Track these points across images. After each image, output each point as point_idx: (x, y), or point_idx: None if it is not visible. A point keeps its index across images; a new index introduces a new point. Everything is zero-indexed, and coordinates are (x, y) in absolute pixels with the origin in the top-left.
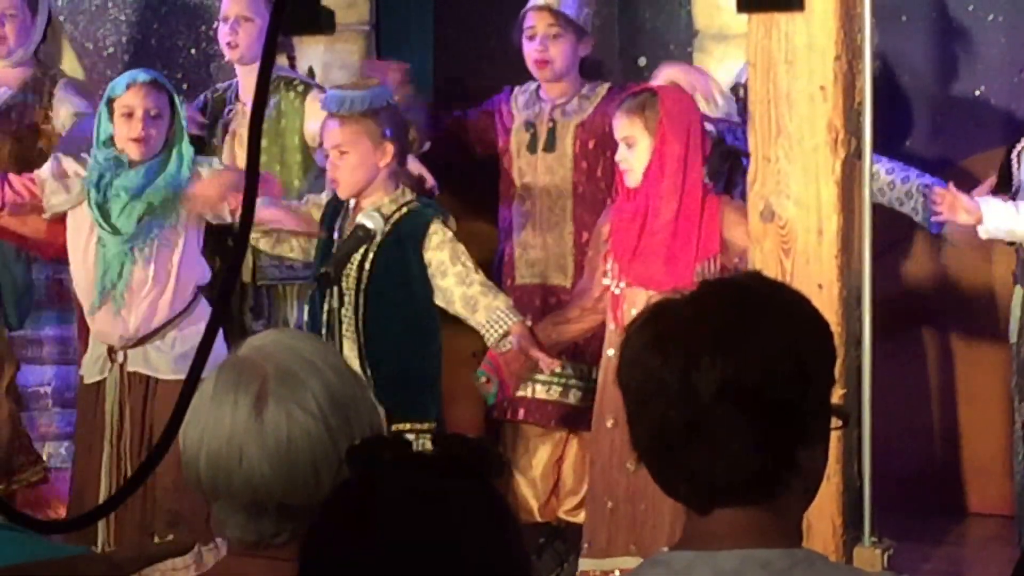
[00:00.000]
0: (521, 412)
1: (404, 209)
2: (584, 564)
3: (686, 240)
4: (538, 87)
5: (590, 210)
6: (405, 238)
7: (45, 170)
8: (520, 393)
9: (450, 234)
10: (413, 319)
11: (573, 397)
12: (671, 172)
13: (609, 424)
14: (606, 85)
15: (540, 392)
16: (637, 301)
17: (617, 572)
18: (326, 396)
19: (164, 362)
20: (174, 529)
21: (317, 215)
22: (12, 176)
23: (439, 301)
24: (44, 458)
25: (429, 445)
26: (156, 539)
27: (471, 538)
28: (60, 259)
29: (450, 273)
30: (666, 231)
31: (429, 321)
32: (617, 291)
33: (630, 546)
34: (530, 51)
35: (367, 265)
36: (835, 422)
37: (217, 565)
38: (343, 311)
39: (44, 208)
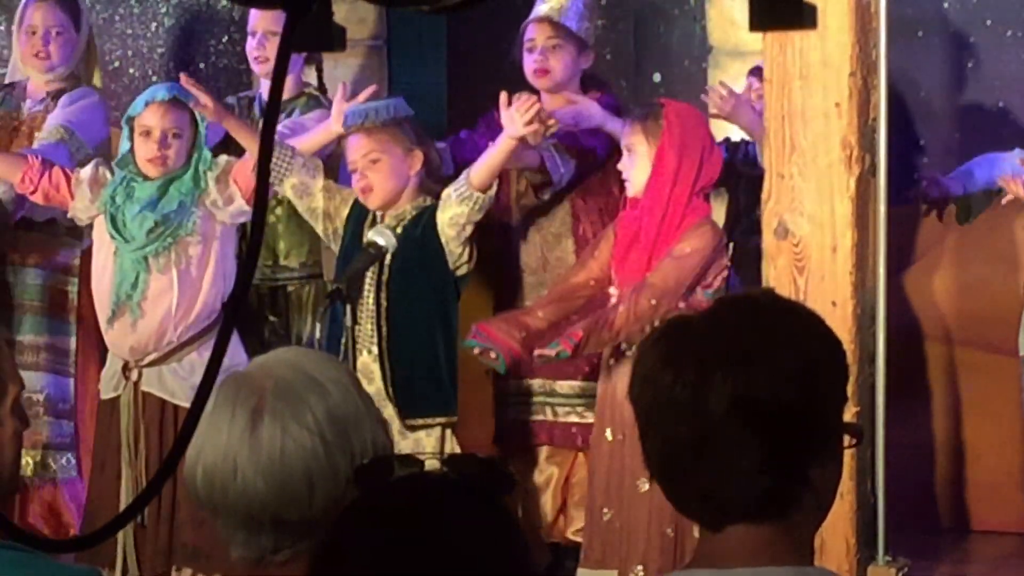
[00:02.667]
0: (545, 437)
1: (417, 211)
2: (581, 574)
3: (663, 253)
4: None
5: (590, 225)
6: (420, 227)
7: (86, 172)
8: (539, 417)
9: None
10: (435, 316)
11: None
12: (660, 183)
13: (608, 436)
14: (598, 95)
15: (563, 415)
16: None
17: None
18: (324, 411)
19: (181, 388)
20: (194, 563)
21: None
22: (57, 169)
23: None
24: (35, 467)
25: (438, 464)
26: (175, 572)
27: (481, 557)
28: (64, 269)
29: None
30: (648, 241)
31: (450, 315)
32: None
33: (614, 560)
34: (529, 62)
35: (384, 280)
36: (848, 440)
37: None
38: (357, 329)
39: (67, 209)
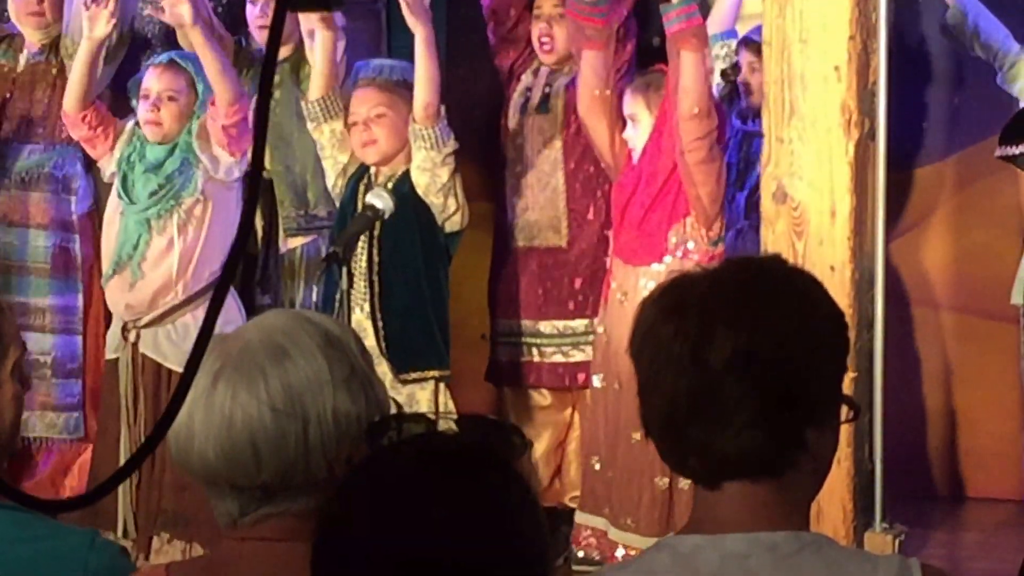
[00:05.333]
0: (532, 378)
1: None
2: (578, 517)
3: (660, 210)
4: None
5: (581, 169)
6: (408, 183)
7: (128, 122)
8: (526, 358)
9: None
10: (424, 271)
11: (581, 353)
12: (665, 149)
13: (597, 383)
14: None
15: (548, 355)
16: (617, 275)
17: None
18: (279, 379)
19: (174, 352)
20: (173, 528)
21: None
22: (103, 112)
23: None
24: (44, 428)
25: (453, 426)
26: (156, 537)
27: (490, 516)
28: (66, 226)
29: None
30: (645, 203)
31: (439, 269)
32: (608, 263)
33: (604, 509)
34: (536, 33)
35: (376, 236)
36: (846, 413)
37: (213, 551)
38: (352, 291)
39: (95, 155)
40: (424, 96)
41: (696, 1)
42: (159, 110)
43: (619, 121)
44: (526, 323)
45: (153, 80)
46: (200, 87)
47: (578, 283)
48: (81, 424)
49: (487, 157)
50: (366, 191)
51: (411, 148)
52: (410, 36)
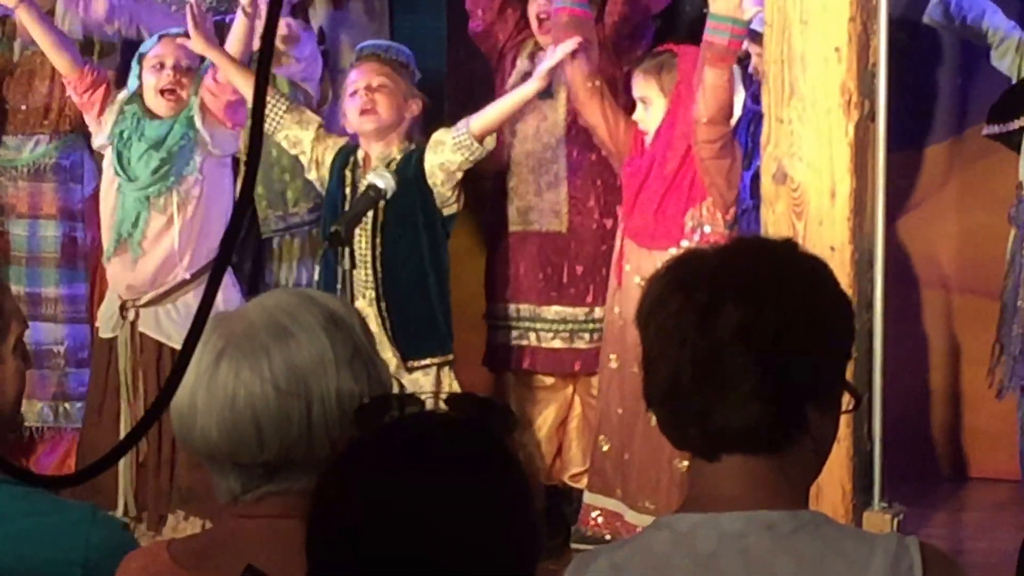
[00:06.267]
0: (528, 362)
1: (404, 154)
2: (586, 497)
3: (676, 194)
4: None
5: (584, 156)
6: (412, 169)
7: (122, 96)
8: (525, 343)
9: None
10: (427, 258)
11: (581, 341)
12: (680, 134)
13: (612, 363)
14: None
15: (547, 340)
16: (632, 258)
17: (597, 512)
18: (283, 358)
19: (176, 331)
20: (188, 505)
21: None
22: (96, 79)
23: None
24: (57, 417)
25: (443, 404)
26: (171, 513)
27: (482, 496)
28: (72, 215)
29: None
30: (660, 187)
31: (441, 255)
32: (618, 246)
33: (616, 490)
34: (533, 10)
35: (379, 224)
36: (848, 401)
37: (212, 528)
38: (356, 272)
39: (91, 128)
40: (487, 125)
41: (744, 26)
42: (180, 79)
43: (620, 108)
44: (526, 307)
45: (168, 49)
46: (206, 61)
47: (579, 270)
48: None
49: None
50: (353, 175)
51: (406, 130)
52: (412, 19)
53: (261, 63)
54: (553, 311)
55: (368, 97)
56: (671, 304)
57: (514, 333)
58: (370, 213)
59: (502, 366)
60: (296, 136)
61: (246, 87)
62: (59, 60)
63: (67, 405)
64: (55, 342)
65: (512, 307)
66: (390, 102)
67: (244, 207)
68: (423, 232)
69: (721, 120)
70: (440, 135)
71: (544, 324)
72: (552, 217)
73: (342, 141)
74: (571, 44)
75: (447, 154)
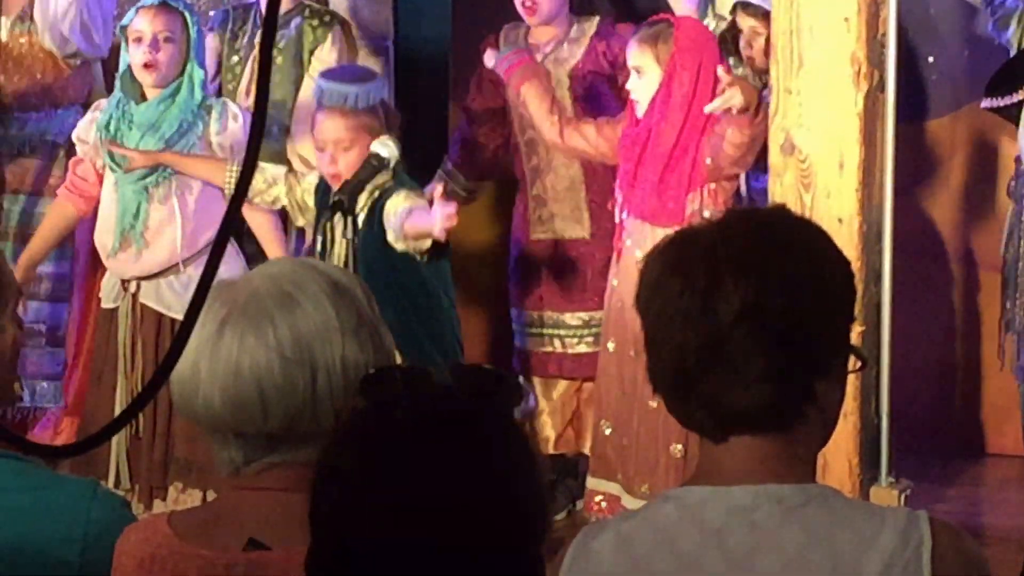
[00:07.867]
0: (553, 368)
1: (371, 202)
2: (589, 482)
3: (678, 172)
4: (526, 32)
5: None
6: (371, 223)
7: (88, 170)
8: (548, 349)
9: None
10: (411, 312)
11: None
12: (676, 105)
13: (610, 348)
14: (595, 20)
15: (572, 346)
16: (634, 233)
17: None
18: (288, 327)
19: (178, 302)
20: (185, 477)
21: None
22: (82, 169)
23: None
24: (34, 396)
25: (448, 375)
26: (168, 484)
27: (487, 467)
28: None
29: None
30: (660, 162)
31: (431, 293)
32: (618, 219)
33: (617, 474)
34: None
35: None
36: (853, 363)
37: (213, 501)
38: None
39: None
40: (415, 235)
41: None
42: (157, 51)
43: (582, 114)
44: (549, 314)
45: (146, 22)
46: (193, 31)
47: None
48: (62, 393)
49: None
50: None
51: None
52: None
53: (264, 43)
54: (577, 317)
55: (333, 161)
56: (670, 287)
57: (539, 340)
58: (370, 205)
59: (531, 373)
60: (271, 196)
61: (213, 172)
62: None
63: (45, 384)
64: (37, 320)
65: (535, 314)
66: (354, 163)
67: (245, 185)
68: (402, 277)
69: (725, 166)
70: (392, 203)
71: (568, 330)
72: (573, 224)
73: (315, 178)
74: (447, 221)
75: (389, 232)
